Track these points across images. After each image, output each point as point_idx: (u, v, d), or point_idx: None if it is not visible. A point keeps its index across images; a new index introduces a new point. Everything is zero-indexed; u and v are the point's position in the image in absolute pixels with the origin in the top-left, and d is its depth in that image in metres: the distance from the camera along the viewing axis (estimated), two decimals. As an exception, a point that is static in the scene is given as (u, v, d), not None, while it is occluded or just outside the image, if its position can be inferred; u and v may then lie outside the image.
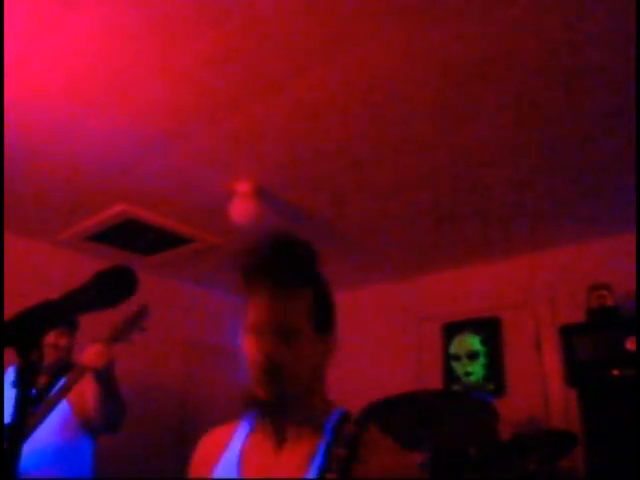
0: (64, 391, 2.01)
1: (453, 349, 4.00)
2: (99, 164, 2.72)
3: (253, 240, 1.01)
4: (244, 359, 0.97)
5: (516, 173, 2.75)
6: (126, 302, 0.82)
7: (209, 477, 1.01)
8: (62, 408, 2.09)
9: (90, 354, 2.00)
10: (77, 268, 3.56)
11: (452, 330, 4.04)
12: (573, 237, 3.52)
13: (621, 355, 2.91)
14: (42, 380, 2.22)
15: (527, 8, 1.72)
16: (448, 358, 4.00)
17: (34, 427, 1.90)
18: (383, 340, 4.33)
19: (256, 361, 0.94)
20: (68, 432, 2.17)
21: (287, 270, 0.97)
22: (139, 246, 3.72)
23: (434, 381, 3.93)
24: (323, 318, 1.01)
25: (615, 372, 2.90)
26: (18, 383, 0.69)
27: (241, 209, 2.82)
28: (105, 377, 2.04)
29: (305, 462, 0.93)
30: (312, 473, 0.91)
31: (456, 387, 3.91)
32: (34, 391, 0.70)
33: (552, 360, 3.51)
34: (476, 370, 3.86)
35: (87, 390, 2.11)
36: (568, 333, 3.18)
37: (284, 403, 0.94)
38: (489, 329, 3.88)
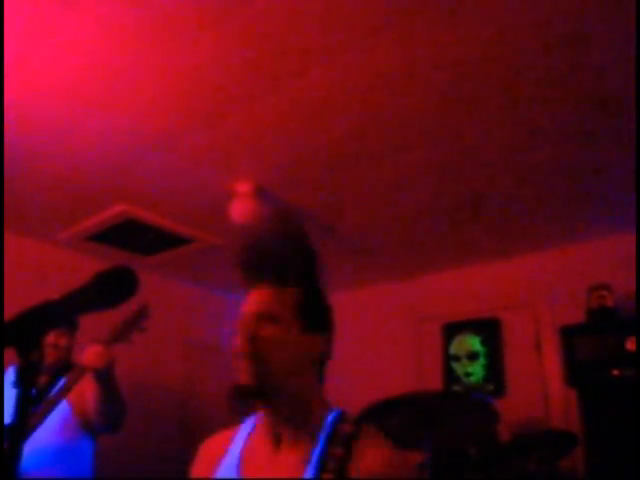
0: (64, 391, 2.01)
1: (453, 349, 4.00)
2: (99, 164, 2.72)
3: (252, 236, 1.05)
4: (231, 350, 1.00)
5: (516, 173, 2.75)
6: (126, 302, 0.82)
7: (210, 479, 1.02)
8: (62, 408, 2.09)
9: (90, 354, 2.00)
10: (77, 268, 3.56)
11: (452, 330, 4.04)
12: (573, 237, 3.52)
13: (621, 355, 2.91)
14: (42, 380, 2.22)
15: (527, 8, 1.72)
16: (448, 358, 4.00)
17: (34, 427, 1.90)
18: (383, 340, 4.33)
19: (238, 345, 0.97)
20: (68, 432, 2.17)
21: (282, 269, 1.01)
22: (139, 246, 3.72)
23: (434, 381, 3.93)
24: (313, 317, 1.03)
25: (615, 372, 2.90)
26: (18, 383, 0.69)
27: (241, 209, 2.82)
28: (105, 377, 2.04)
29: (302, 462, 0.94)
30: (309, 473, 0.92)
31: (456, 387, 3.91)
32: (34, 391, 0.70)
33: (552, 360, 3.51)
34: (476, 370, 3.86)
35: (87, 390, 2.11)
36: (568, 333, 3.18)
37: (264, 389, 0.95)
38: (489, 329, 3.88)
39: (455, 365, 3.96)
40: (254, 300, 1.01)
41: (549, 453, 2.49)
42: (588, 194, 2.97)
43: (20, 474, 0.69)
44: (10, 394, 0.75)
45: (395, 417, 2.28)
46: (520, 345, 3.71)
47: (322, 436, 0.96)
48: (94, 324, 1.82)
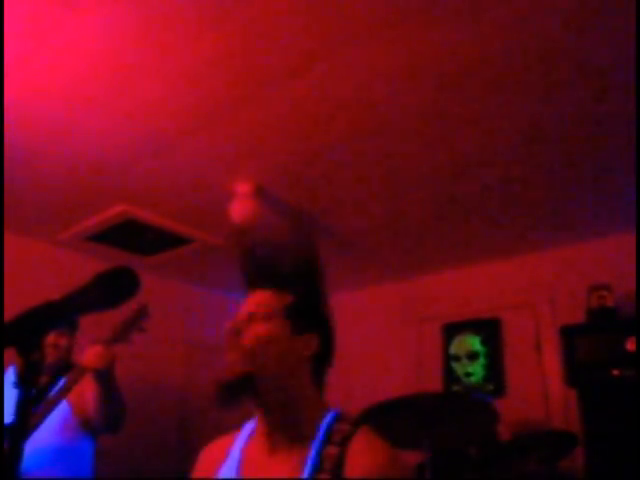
0: (64, 391, 2.01)
1: (453, 349, 4.00)
2: (99, 164, 2.72)
3: (259, 244, 1.09)
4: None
5: (516, 173, 2.75)
6: (126, 302, 0.82)
7: None
8: (62, 408, 2.09)
9: (90, 355, 2.00)
10: (77, 268, 3.56)
11: (452, 330, 4.04)
12: (573, 237, 3.52)
13: (621, 355, 2.91)
14: (42, 380, 2.22)
15: (526, 8, 1.72)
16: (448, 358, 4.00)
17: (34, 427, 1.90)
18: (383, 340, 4.33)
19: (225, 340, 1.01)
20: (68, 432, 2.17)
21: (285, 278, 1.06)
22: (139, 246, 3.72)
23: (434, 381, 3.93)
24: (305, 318, 1.04)
25: (615, 372, 2.90)
26: (19, 383, 0.69)
27: (241, 209, 2.82)
28: (105, 378, 2.04)
29: (299, 463, 0.94)
30: (306, 473, 0.92)
31: (456, 387, 3.91)
32: (34, 391, 0.70)
33: (552, 360, 3.51)
34: (476, 371, 3.86)
35: (87, 390, 2.11)
36: (568, 333, 3.18)
37: (248, 382, 0.98)
38: (489, 329, 3.88)
39: (455, 365, 3.96)
40: (252, 301, 1.05)
41: (549, 453, 2.50)
42: (588, 194, 2.97)
43: (20, 474, 0.69)
44: (10, 394, 0.75)
45: (395, 418, 2.28)
46: (520, 345, 3.71)
47: (318, 437, 0.96)
48: (94, 324, 1.83)
